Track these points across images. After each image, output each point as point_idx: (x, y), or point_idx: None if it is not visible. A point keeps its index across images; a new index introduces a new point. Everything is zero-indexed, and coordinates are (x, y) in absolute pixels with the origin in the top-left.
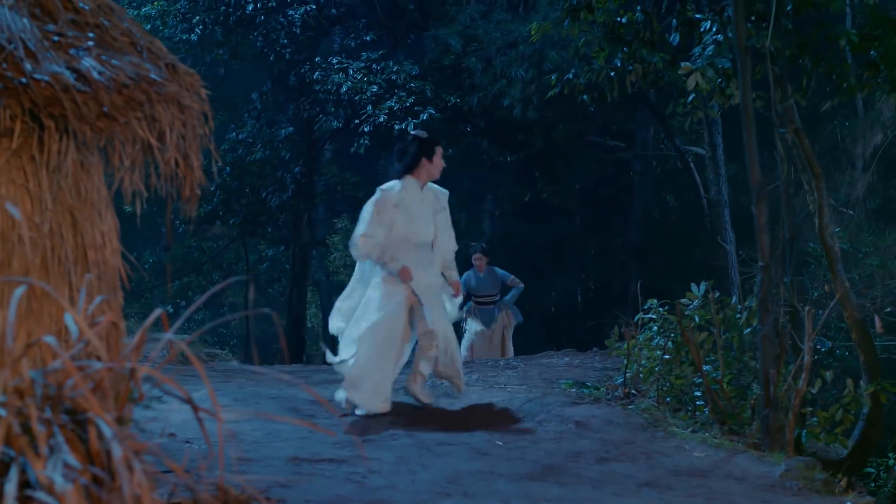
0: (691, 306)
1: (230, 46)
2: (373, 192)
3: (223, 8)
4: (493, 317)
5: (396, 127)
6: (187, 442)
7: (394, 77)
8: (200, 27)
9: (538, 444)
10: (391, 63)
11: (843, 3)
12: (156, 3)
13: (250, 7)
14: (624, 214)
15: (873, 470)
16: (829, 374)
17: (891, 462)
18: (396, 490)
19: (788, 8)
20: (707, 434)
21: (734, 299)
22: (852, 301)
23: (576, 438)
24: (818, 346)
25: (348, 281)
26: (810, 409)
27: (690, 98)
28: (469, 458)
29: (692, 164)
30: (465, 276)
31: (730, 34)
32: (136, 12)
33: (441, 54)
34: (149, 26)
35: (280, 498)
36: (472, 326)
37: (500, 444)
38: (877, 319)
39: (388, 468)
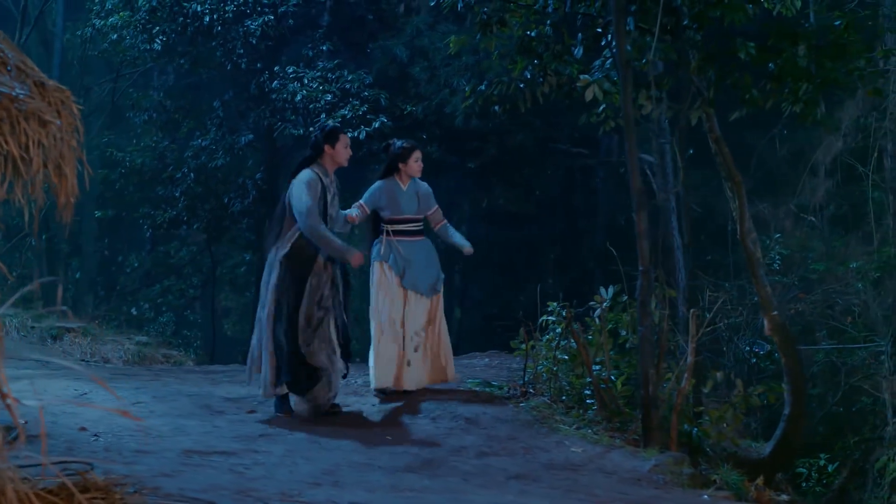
0: (598, 310)
1: (191, 56)
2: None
3: (181, 19)
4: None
5: (350, 134)
6: (96, 436)
7: (348, 86)
8: (162, 37)
9: (426, 439)
10: (346, 72)
11: (745, 17)
12: (121, 13)
13: (207, 18)
14: (590, 220)
15: (805, 470)
16: (719, 375)
17: (822, 462)
18: (272, 480)
19: (685, 21)
20: (590, 431)
21: (683, 301)
22: (774, 305)
23: (463, 434)
24: (756, 350)
25: None
26: (701, 408)
27: (601, 108)
28: (355, 451)
29: (648, 171)
30: (372, 189)
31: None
32: (103, 22)
33: (388, 64)
34: (115, 35)
35: (156, 486)
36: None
37: (390, 438)
38: (765, 321)
39: (273, 460)
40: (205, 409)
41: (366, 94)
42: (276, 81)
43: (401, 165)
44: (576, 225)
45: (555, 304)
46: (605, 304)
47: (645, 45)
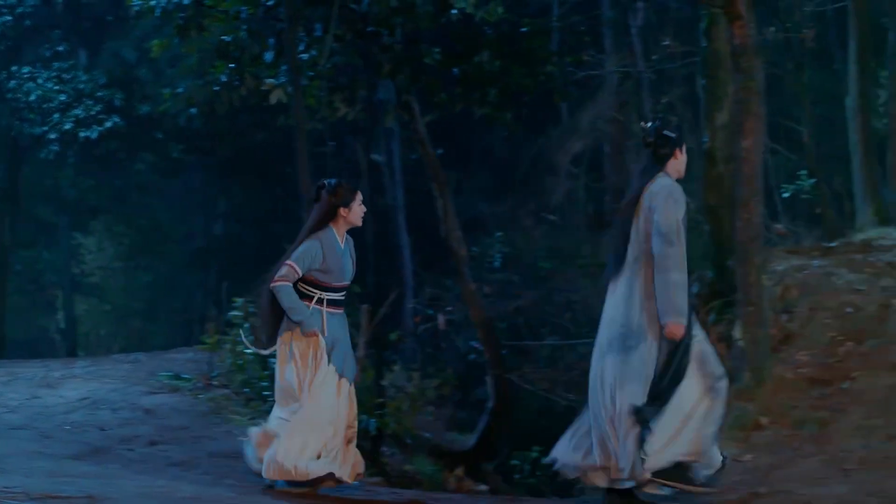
0: None
1: None
2: (116, 198)
3: None
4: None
5: (82, 134)
6: None
7: (82, 86)
8: None
9: (102, 429)
10: (80, 73)
11: (433, 23)
12: None
13: None
14: None
15: (519, 462)
16: (397, 368)
17: (533, 455)
18: None
19: (369, 28)
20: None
21: (411, 299)
22: (478, 301)
23: (139, 424)
24: (473, 345)
25: (96, 282)
26: (381, 399)
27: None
28: (32, 441)
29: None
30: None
31: (313, 52)
32: None
33: (118, 66)
34: None
35: None
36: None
37: (69, 428)
38: (440, 317)
39: None
40: None
41: (100, 94)
42: (13, 81)
43: (342, 212)
44: None
45: (240, 299)
46: None
47: (331, 50)
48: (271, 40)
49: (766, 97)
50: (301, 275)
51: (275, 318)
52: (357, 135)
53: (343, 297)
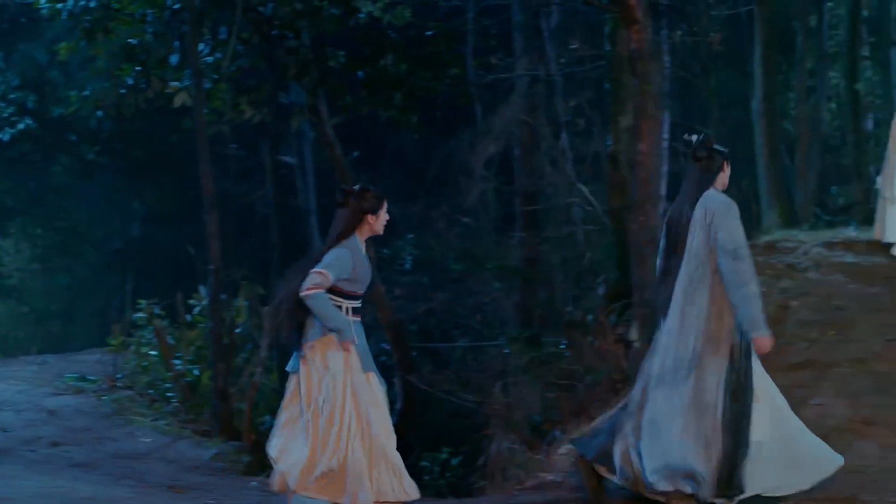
0: (198, 307)
1: None
2: (32, 200)
3: None
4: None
5: None
6: None
7: None
8: None
9: (5, 430)
10: None
11: (338, 26)
12: None
13: None
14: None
15: (428, 464)
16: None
17: (443, 456)
18: None
19: (274, 32)
20: (165, 422)
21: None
22: (387, 303)
23: (42, 425)
24: (384, 346)
25: (14, 284)
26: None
27: (206, 111)
28: None
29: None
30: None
31: (218, 55)
32: None
33: (29, 67)
34: None
35: None
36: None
37: None
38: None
39: None
40: None
41: (13, 96)
42: None
43: (370, 219)
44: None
45: (144, 301)
46: (203, 301)
47: (236, 54)
48: (176, 43)
49: (676, 100)
50: (332, 283)
51: (296, 329)
52: (264, 137)
53: (360, 306)
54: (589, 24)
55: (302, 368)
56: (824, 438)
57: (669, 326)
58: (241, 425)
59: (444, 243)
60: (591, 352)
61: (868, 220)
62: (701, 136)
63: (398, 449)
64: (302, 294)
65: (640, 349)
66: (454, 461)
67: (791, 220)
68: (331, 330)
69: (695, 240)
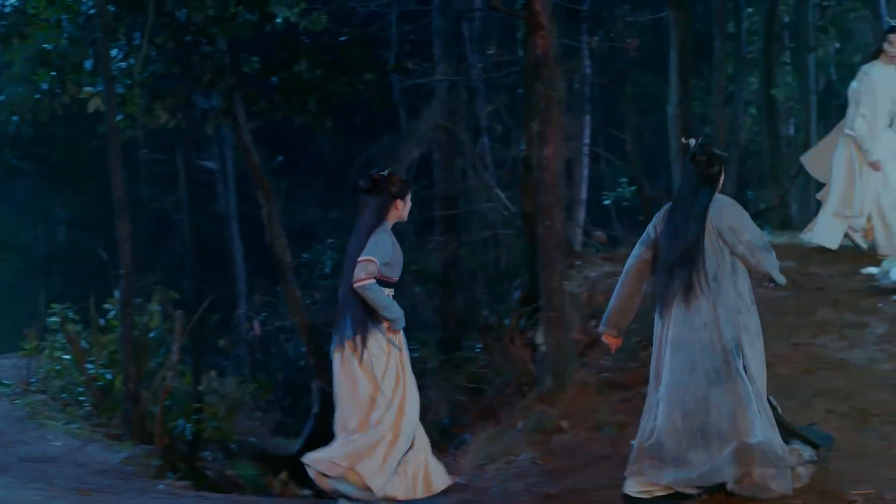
0: (112, 311)
1: None
2: None
3: None
4: None
5: None
6: None
7: None
8: None
9: None
10: None
11: (252, 32)
12: None
13: None
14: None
15: None
16: (213, 374)
17: None
18: None
19: (188, 38)
20: (77, 426)
21: (243, 305)
22: (303, 308)
23: None
24: (303, 350)
25: None
26: (198, 405)
27: (119, 118)
28: None
29: (218, 178)
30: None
31: (132, 60)
32: None
33: None
34: None
35: None
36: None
37: None
38: (255, 324)
39: None
40: None
41: None
42: None
43: (398, 204)
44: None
45: (57, 305)
46: (118, 305)
47: (148, 59)
48: (91, 48)
49: (596, 105)
50: (379, 270)
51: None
52: (179, 142)
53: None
54: (507, 29)
55: (361, 369)
56: None
57: (698, 323)
58: (153, 429)
59: None
60: (501, 355)
61: (784, 224)
62: (700, 140)
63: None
64: (356, 286)
65: (545, 352)
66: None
67: None
68: (382, 319)
69: (713, 240)
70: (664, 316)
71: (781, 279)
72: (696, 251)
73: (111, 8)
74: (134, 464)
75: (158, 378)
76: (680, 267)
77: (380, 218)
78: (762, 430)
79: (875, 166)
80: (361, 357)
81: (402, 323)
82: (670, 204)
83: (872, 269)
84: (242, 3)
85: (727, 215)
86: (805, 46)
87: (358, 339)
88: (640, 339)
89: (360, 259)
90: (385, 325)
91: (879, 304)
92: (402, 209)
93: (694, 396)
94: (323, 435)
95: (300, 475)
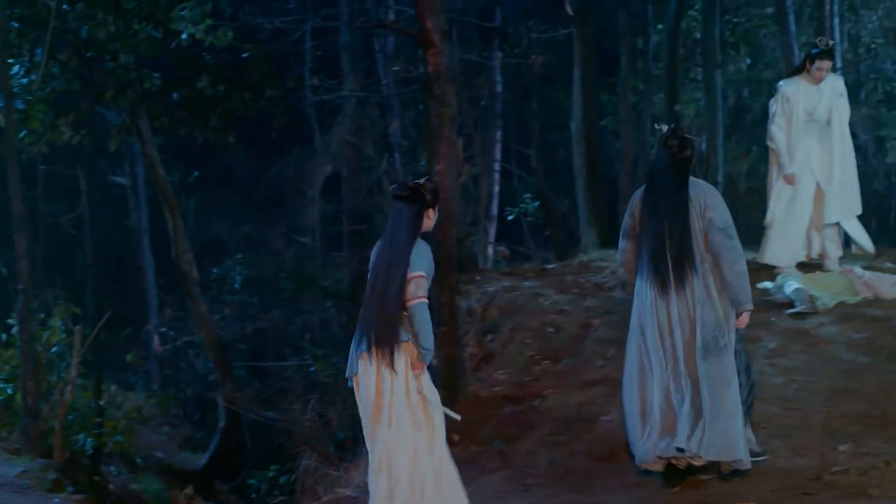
0: (15, 327)
1: None
2: None
3: None
4: None
5: None
6: None
7: None
8: None
9: None
10: None
11: (153, 49)
12: None
13: None
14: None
15: (256, 482)
16: (114, 388)
17: (270, 474)
18: None
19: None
20: None
21: (153, 320)
22: (209, 323)
23: None
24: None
25: None
26: (99, 419)
27: (23, 134)
28: None
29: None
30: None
31: (34, 77)
32: None
33: None
34: None
35: None
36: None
37: None
38: (155, 339)
39: None
40: None
41: None
42: None
43: (430, 213)
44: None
45: None
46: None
47: (50, 75)
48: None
49: (509, 121)
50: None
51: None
52: (81, 158)
53: None
54: (416, 46)
55: (396, 382)
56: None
57: (698, 298)
58: (53, 443)
59: (276, 262)
60: None
61: None
62: (672, 126)
63: (224, 469)
64: (415, 303)
65: (436, 367)
66: (282, 479)
67: (610, 240)
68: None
69: (694, 222)
70: (665, 296)
71: (734, 271)
72: (686, 233)
73: (14, 24)
74: (30, 477)
75: (57, 392)
76: (672, 249)
77: (417, 227)
78: (736, 405)
79: (789, 179)
80: (381, 369)
81: (431, 357)
82: (643, 188)
83: (767, 284)
84: (146, 20)
85: (705, 195)
86: (713, 62)
87: (387, 350)
88: (534, 353)
89: (412, 275)
90: (414, 351)
91: (772, 319)
92: (432, 219)
93: (689, 370)
94: (230, 450)
95: (205, 490)
